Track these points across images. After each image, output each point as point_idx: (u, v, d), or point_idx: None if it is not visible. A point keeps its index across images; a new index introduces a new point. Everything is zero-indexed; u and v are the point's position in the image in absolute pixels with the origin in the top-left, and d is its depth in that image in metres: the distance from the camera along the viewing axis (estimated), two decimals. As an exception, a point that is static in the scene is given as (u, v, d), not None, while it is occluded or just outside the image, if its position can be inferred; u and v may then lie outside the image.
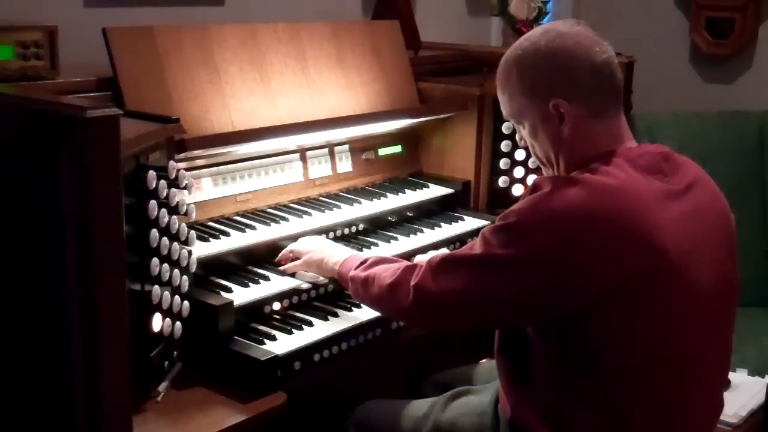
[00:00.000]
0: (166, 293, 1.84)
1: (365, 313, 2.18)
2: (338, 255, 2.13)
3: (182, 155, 2.09)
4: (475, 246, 1.74)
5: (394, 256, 2.40)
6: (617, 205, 1.64)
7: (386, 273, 1.90)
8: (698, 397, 1.77)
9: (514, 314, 1.73)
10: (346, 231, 2.49)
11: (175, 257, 1.89)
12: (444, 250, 2.41)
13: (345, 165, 2.69)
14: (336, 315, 2.16)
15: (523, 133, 1.87)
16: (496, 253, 1.67)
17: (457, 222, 2.71)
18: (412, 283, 1.80)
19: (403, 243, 2.50)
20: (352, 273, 2.02)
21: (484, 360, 2.35)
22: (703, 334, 1.74)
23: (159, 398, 1.86)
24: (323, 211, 2.45)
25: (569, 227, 1.62)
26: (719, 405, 1.88)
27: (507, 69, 1.83)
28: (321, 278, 2.21)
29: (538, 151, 1.85)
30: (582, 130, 1.76)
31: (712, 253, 1.75)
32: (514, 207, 1.70)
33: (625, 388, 1.68)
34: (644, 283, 1.63)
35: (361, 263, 2.03)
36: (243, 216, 2.36)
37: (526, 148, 1.94)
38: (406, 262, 1.93)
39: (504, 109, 1.88)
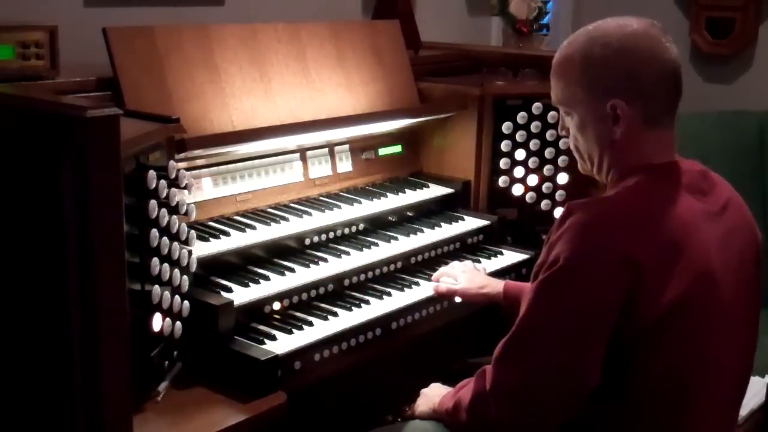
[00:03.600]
0: (166, 293, 1.84)
1: (365, 313, 2.18)
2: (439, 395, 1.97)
3: (182, 155, 2.09)
4: (530, 308, 1.66)
5: (394, 255, 2.42)
6: (666, 231, 1.62)
7: (466, 392, 1.80)
8: (720, 413, 1.77)
9: (593, 354, 1.63)
10: (347, 231, 2.48)
11: (175, 257, 1.89)
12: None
13: (345, 165, 2.69)
14: (336, 315, 2.16)
15: (569, 123, 1.80)
16: (560, 303, 1.62)
17: (458, 222, 2.71)
18: (488, 387, 1.70)
19: (403, 243, 2.50)
20: (444, 407, 1.89)
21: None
22: (730, 353, 1.73)
23: (159, 398, 1.86)
24: (323, 211, 2.45)
25: (623, 256, 1.58)
26: (736, 421, 1.88)
27: (569, 56, 1.74)
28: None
29: (581, 145, 1.79)
30: (634, 137, 1.70)
31: (743, 274, 1.75)
32: (558, 251, 1.62)
33: (666, 412, 1.66)
34: (692, 307, 1.63)
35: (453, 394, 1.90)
36: (243, 216, 2.36)
37: (565, 136, 1.87)
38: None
39: (554, 95, 1.80)
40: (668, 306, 1.60)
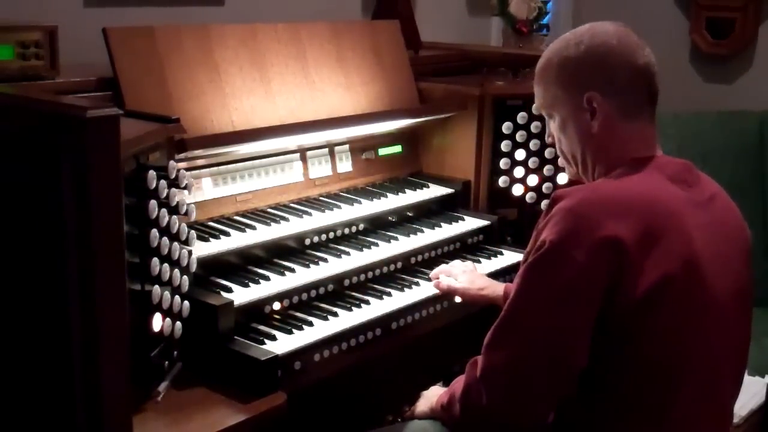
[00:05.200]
0: (167, 293, 1.84)
1: (365, 313, 2.18)
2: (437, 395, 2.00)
3: (182, 155, 2.09)
4: (518, 292, 1.68)
5: (394, 255, 2.42)
6: (650, 213, 1.64)
7: (459, 385, 1.81)
8: (713, 408, 1.77)
9: (581, 335, 1.64)
10: (347, 231, 2.49)
11: (175, 257, 1.89)
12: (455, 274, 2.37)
13: (345, 165, 2.69)
14: (336, 315, 2.16)
15: (552, 127, 1.87)
16: (547, 285, 1.64)
17: (458, 222, 2.71)
18: (479, 374, 1.71)
19: (403, 243, 2.50)
20: (440, 403, 1.91)
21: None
22: (722, 345, 1.74)
23: (159, 398, 1.86)
24: (323, 211, 2.45)
25: (606, 236, 1.59)
26: (731, 416, 1.88)
27: (547, 60, 1.83)
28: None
29: (565, 146, 1.85)
30: (612, 129, 1.76)
31: (732, 265, 1.76)
32: (545, 235, 1.64)
33: (654, 399, 1.67)
34: (676, 290, 1.63)
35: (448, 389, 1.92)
36: (243, 216, 2.36)
37: (552, 145, 1.92)
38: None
39: (537, 100, 1.88)
40: (652, 286, 1.61)
